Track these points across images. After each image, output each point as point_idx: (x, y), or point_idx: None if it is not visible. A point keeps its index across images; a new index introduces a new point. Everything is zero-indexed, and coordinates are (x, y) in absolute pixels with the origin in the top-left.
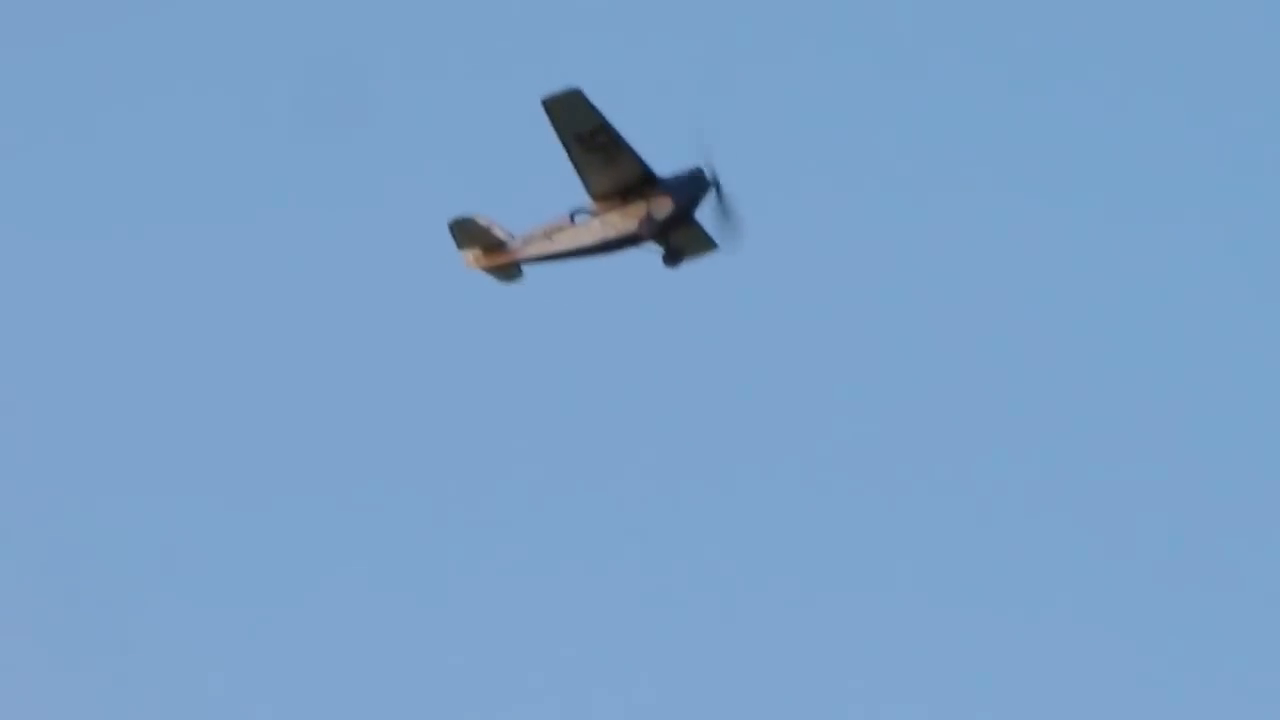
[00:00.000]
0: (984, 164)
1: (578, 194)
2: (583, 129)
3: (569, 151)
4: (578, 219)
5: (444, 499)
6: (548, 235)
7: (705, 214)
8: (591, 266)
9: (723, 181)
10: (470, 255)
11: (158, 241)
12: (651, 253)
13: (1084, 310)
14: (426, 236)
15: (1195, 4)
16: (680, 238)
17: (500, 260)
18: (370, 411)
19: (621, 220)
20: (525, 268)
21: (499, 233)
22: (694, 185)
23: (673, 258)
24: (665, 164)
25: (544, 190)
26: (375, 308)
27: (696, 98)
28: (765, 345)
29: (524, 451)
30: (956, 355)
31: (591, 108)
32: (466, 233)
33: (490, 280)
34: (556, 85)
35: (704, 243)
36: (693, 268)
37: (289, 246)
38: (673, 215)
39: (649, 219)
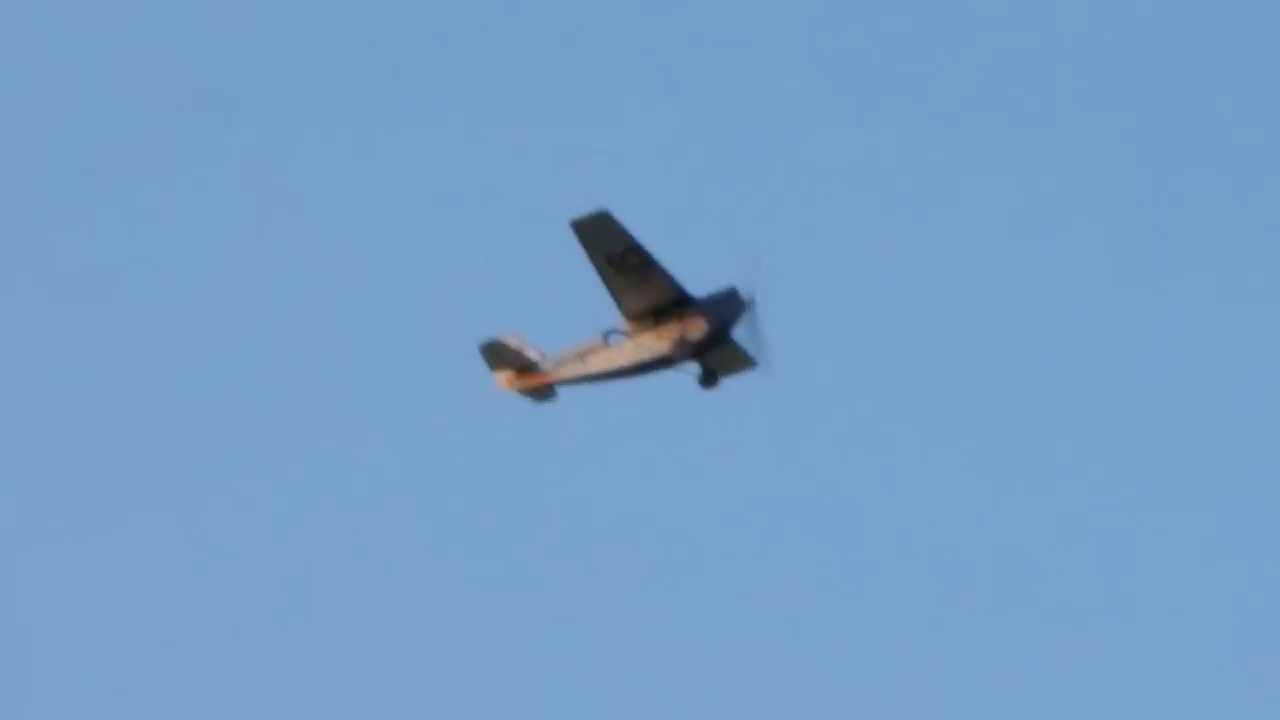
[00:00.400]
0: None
1: (610, 314)
2: (613, 250)
3: (600, 272)
4: (611, 340)
5: (469, 621)
6: (581, 357)
7: (741, 333)
8: (626, 387)
9: (759, 300)
10: (503, 377)
11: None
12: (686, 373)
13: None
14: (459, 357)
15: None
16: (716, 357)
17: (533, 382)
18: (400, 533)
19: (656, 341)
20: (559, 389)
21: (531, 354)
22: (729, 305)
23: (708, 379)
24: (700, 282)
25: (576, 309)
26: (413, 428)
27: (732, 213)
28: (800, 466)
29: (552, 572)
30: (988, 472)
31: (621, 229)
32: (498, 355)
33: (523, 400)
34: (586, 206)
35: (741, 360)
36: (729, 387)
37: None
38: (708, 337)
39: (683, 341)
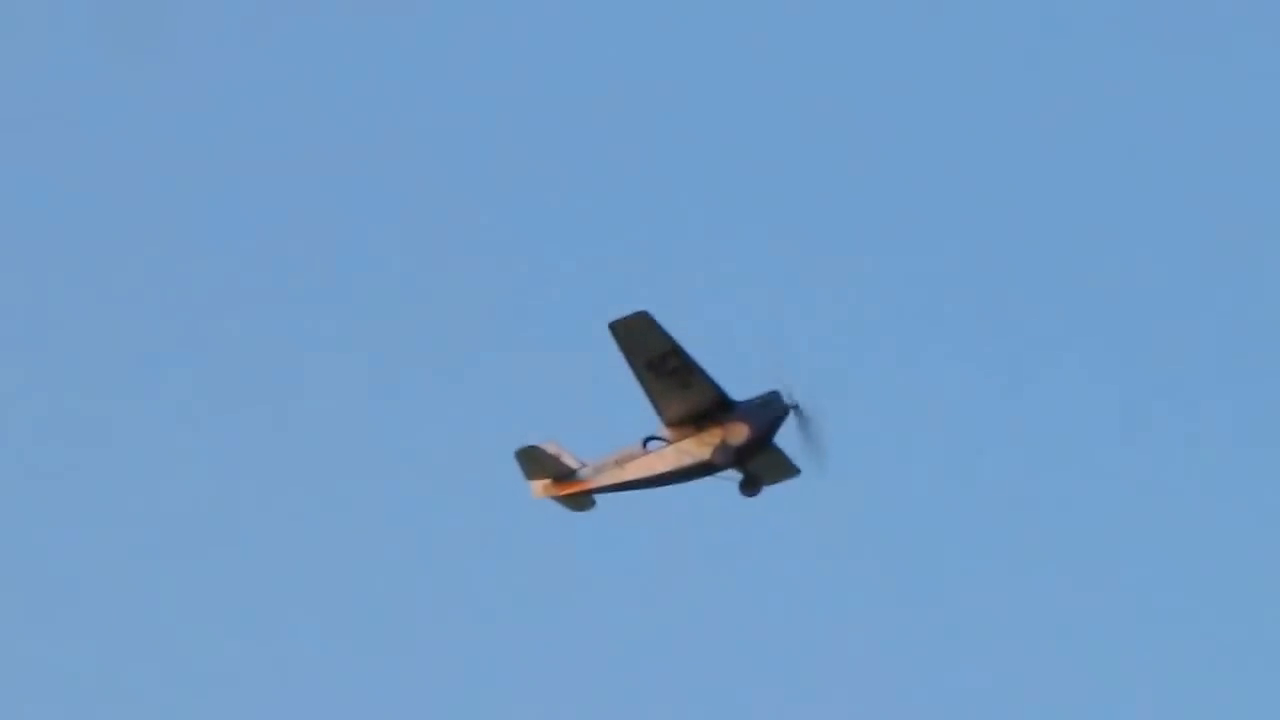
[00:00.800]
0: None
1: (650, 420)
2: (653, 354)
3: (640, 377)
4: (651, 446)
5: None
6: (619, 464)
7: (786, 437)
8: (667, 493)
9: (803, 404)
10: (540, 485)
11: None
12: (728, 480)
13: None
14: (495, 466)
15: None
16: (759, 464)
17: (571, 489)
18: (438, 646)
19: (697, 447)
20: (597, 497)
21: (569, 460)
22: (771, 410)
23: (751, 485)
24: (742, 388)
25: (616, 415)
26: (451, 540)
27: (773, 315)
28: (847, 577)
29: (590, 684)
30: (1035, 573)
31: (661, 331)
32: (535, 462)
33: (560, 509)
34: (624, 308)
35: (785, 468)
36: (772, 494)
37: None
38: (750, 442)
39: (725, 446)
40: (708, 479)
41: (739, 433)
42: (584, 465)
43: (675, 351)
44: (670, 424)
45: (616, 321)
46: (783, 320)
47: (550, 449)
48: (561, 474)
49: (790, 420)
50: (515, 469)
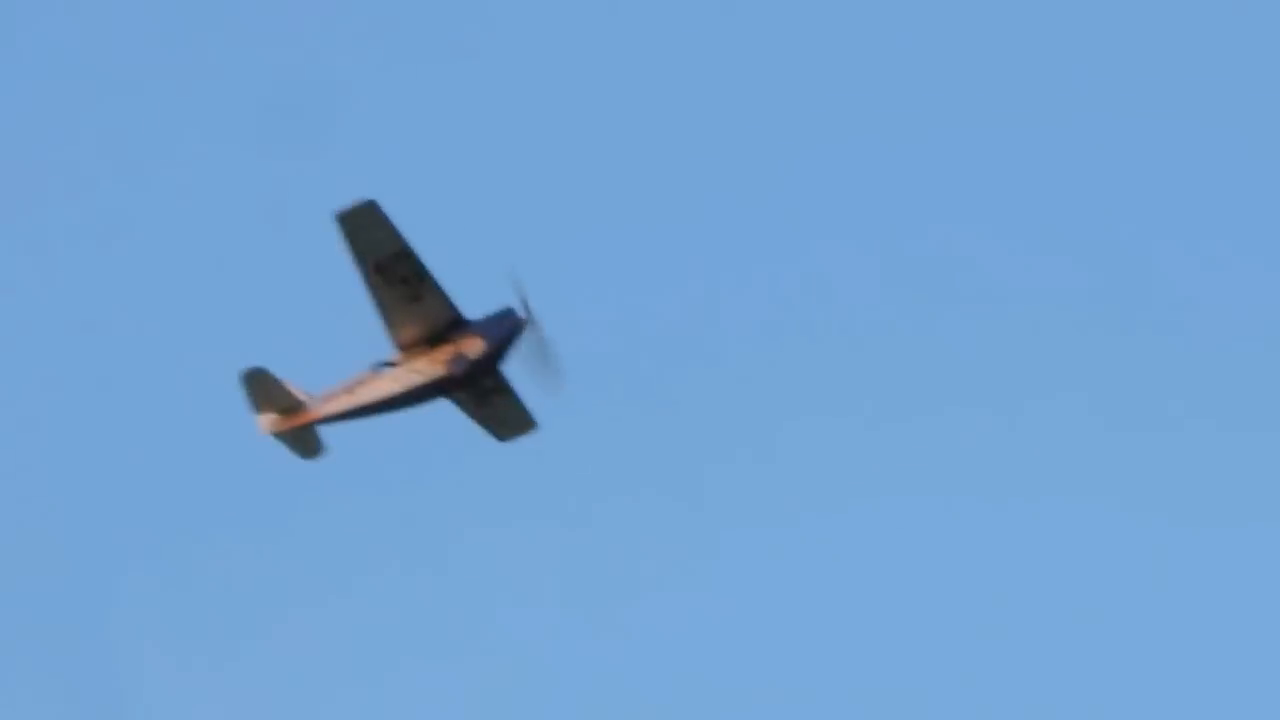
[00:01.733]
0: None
1: (381, 346)
2: (382, 254)
3: (368, 283)
4: (382, 371)
5: None
6: (349, 390)
7: (523, 357)
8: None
9: (537, 318)
10: (267, 419)
11: None
12: (483, 435)
13: None
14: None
15: None
16: (502, 410)
17: (299, 420)
18: None
19: (430, 365)
20: (327, 430)
21: (295, 392)
22: (507, 323)
23: (485, 404)
24: (474, 307)
25: (341, 347)
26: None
27: (507, 231)
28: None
29: None
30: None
31: (391, 226)
32: (263, 388)
33: (286, 451)
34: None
35: (524, 422)
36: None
37: None
38: (485, 355)
39: (459, 357)
40: (443, 400)
41: (474, 346)
42: (312, 397)
43: (407, 254)
44: (403, 347)
45: (344, 212)
46: (519, 232)
47: (276, 376)
48: (289, 405)
49: (525, 335)
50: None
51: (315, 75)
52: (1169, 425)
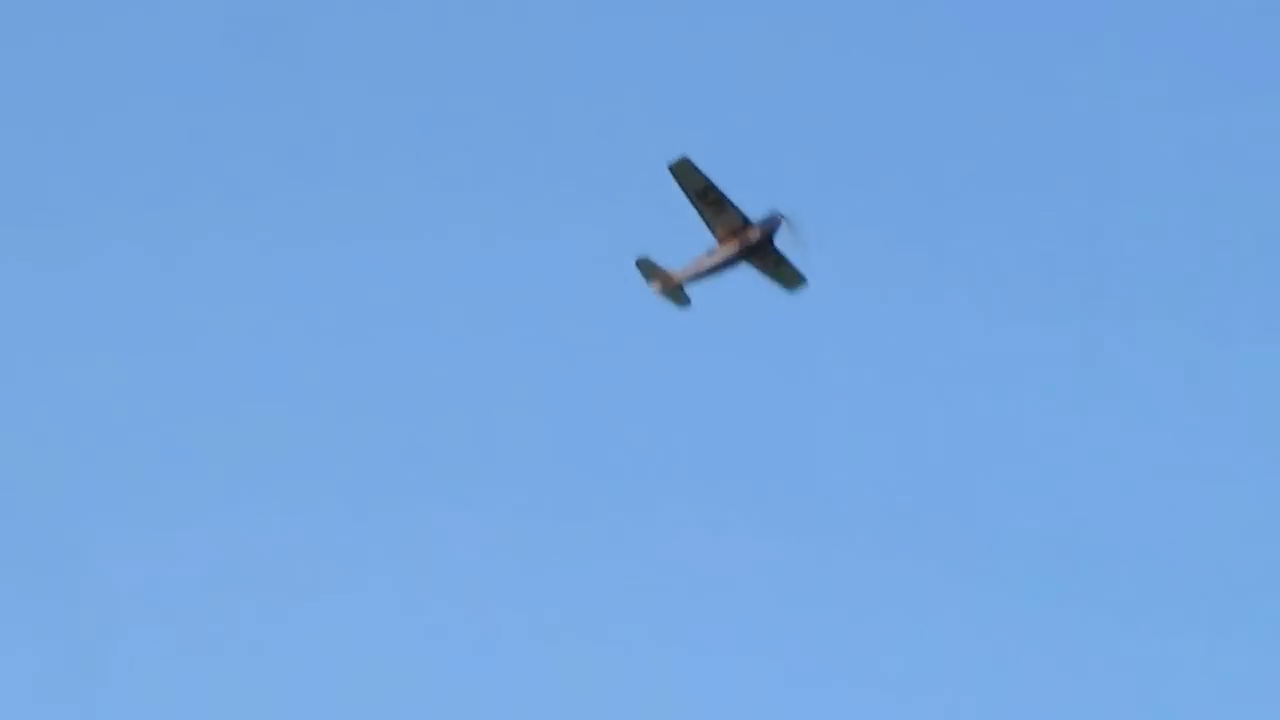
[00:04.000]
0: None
1: (707, 238)
2: (697, 188)
3: (695, 206)
4: (707, 253)
5: None
6: (697, 264)
7: (785, 244)
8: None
9: (790, 218)
10: (656, 285)
11: None
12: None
13: None
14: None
15: None
16: (778, 268)
17: (675, 281)
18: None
19: (733, 246)
20: (690, 288)
21: (668, 269)
22: (771, 221)
23: (773, 264)
24: (755, 209)
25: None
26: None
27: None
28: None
29: None
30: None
31: (699, 171)
32: (649, 268)
33: (669, 305)
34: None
35: (798, 279)
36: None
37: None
38: (760, 239)
39: (747, 240)
40: (747, 266)
41: (754, 234)
42: (677, 270)
43: (710, 187)
44: (720, 239)
45: (671, 164)
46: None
47: (655, 262)
48: (665, 277)
49: (783, 226)
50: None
51: None
52: None
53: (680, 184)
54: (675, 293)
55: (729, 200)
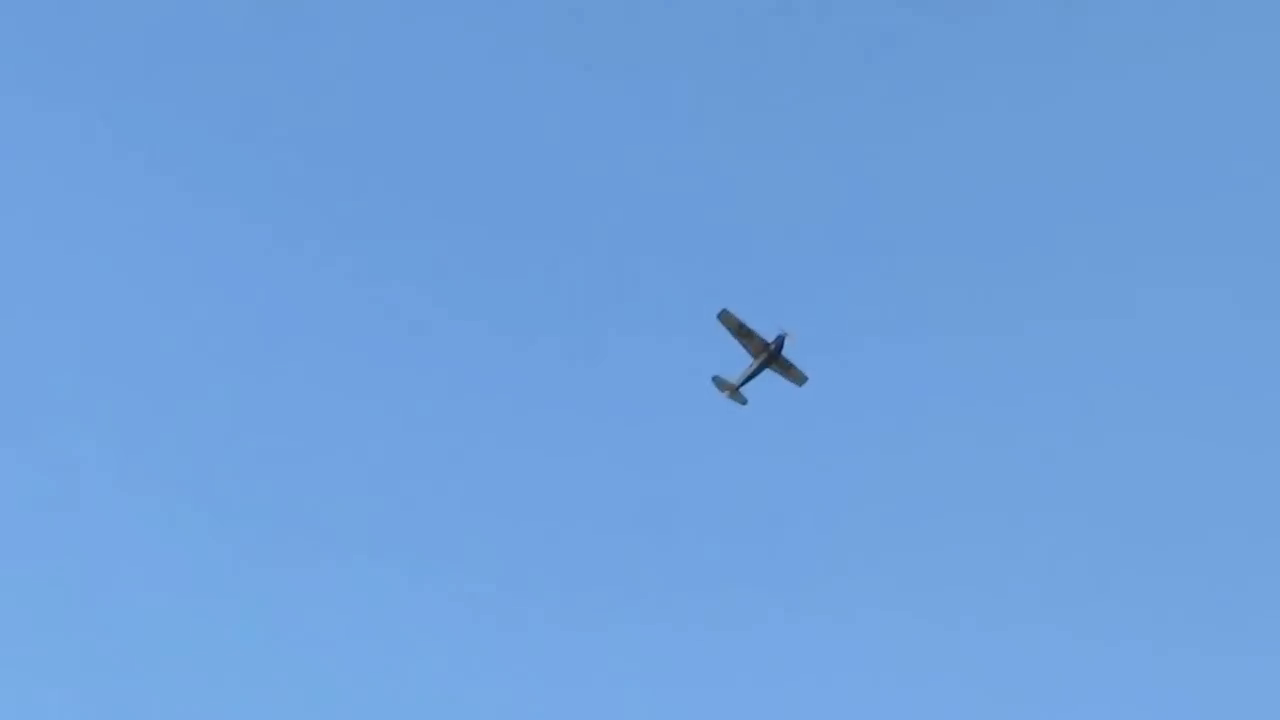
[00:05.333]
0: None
1: (745, 356)
2: (734, 326)
3: (734, 336)
4: (748, 365)
5: None
6: (743, 373)
7: (790, 353)
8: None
9: (791, 338)
10: (725, 392)
11: None
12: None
13: None
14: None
15: None
16: (792, 373)
17: (733, 388)
18: None
19: (759, 358)
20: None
21: (730, 378)
22: (779, 340)
23: (786, 370)
24: (769, 332)
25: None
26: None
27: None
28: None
29: None
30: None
31: (735, 316)
32: (719, 381)
33: (734, 405)
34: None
35: (799, 376)
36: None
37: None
38: (772, 351)
39: (765, 354)
40: (768, 373)
41: (771, 346)
42: (733, 379)
43: (743, 326)
44: (753, 354)
45: (720, 315)
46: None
47: (722, 376)
48: (728, 385)
49: (786, 342)
50: (713, 388)
51: None
52: None
53: (724, 324)
54: (736, 395)
55: (753, 330)
